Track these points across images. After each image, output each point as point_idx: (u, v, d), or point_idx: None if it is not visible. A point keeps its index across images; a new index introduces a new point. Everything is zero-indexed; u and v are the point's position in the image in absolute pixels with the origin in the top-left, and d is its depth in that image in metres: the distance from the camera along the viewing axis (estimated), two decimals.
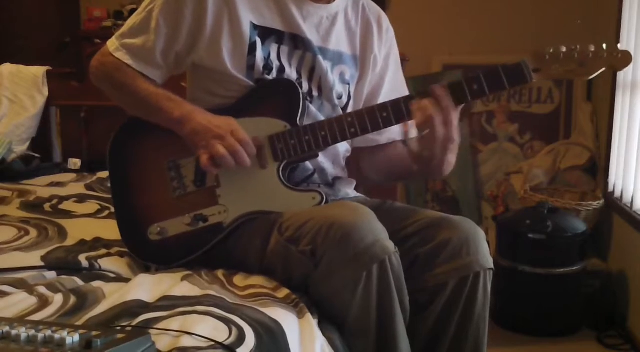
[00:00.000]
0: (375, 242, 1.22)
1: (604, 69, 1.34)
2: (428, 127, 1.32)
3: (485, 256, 1.38)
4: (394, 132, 1.59)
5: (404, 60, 2.50)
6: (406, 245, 1.31)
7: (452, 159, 1.38)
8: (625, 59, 1.33)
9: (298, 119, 1.41)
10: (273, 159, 1.40)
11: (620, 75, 2.77)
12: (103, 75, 1.48)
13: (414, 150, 1.40)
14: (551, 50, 1.33)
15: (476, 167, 3.53)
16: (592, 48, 1.32)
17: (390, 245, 1.25)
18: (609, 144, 2.92)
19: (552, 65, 1.33)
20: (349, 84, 1.55)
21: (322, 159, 1.51)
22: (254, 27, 1.43)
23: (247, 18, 1.42)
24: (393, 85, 1.62)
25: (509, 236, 2.70)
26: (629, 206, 2.61)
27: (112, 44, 1.46)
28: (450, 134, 1.32)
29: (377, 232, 1.24)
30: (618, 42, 2.67)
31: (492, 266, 1.38)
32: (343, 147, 1.57)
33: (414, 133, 1.61)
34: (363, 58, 1.56)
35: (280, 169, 1.41)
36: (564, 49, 1.33)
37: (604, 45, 1.33)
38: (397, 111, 1.37)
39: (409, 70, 2.85)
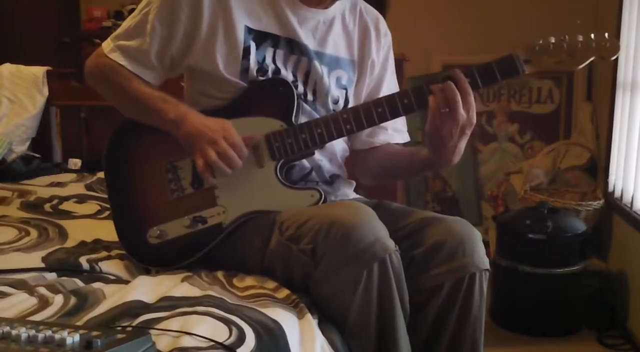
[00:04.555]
0: (375, 241, 1.22)
1: (593, 58, 1.34)
2: (449, 108, 1.31)
3: (481, 256, 1.37)
4: (387, 135, 1.60)
5: (403, 60, 2.52)
6: (402, 246, 1.31)
7: (463, 146, 1.38)
8: (613, 47, 1.33)
9: (293, 117, 1.41)
10: (270, 158, 1.41)
11: (620, 75, 2.77)
12: (98, 76, 1.47)
13: (433, 132, 1.36)
14: (540, 41, 1.34)
15: (476, 167, 3.53)
16: (581, 38, 1.33)
17: (391, 244, 1.25)
18: (609, 144, 2.92)
19: (542, 56, 1.34)
20: (346, 88, 1.54)
21: (319, 156, 1.51)
22: (249, 31, 1.42)
23: (241, 22, 1.42)
24: (390, 87, 1.62)
25: (509, 236, 2.70)
26: (629, 206, 2.62)
27: (107, 45, 1.46)
28: (470, 116, 1.33)
29: (378, 231, 1.25)
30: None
31: (487, 266, 1.38)
32: (340, 145, 1.57)
33: (398, 138, 1.62)
34: (361, 62, 1.56)
35: (278, 167, 1.41)
36: (553, 40, 1.33)
37: (592, 35, 1.33)
38: (392, 107, 1.38)
39: (409, 70, 2.86)
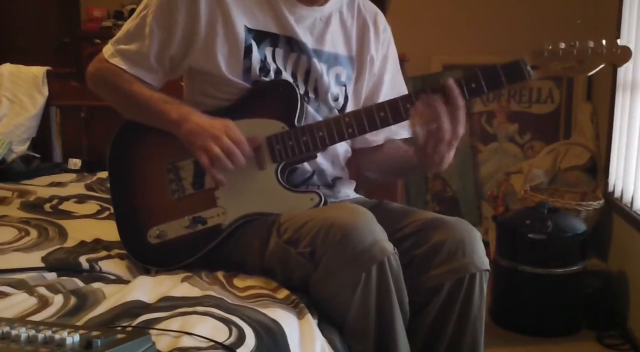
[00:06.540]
0: (374, 244, 1.22)
1: (603, 65, 1.32)
2: (435, 123, 1.30)
3: (481, 257, 1.37)
4: (391, 131, 1.59)
5: (404, 60, 2.50)
6: (402, 246, 1.31)
7: (451, 155, 1.36)
8: (625, 54, 1.32)
9: (296, 120, 1.41)
10: (271, 160, 1.40)
11: (620, 75, 2.77)
12: (100, 81, 1.49)
13: (419, 144, 1.35)
14: (549, 47, 1.32)
15: (476, 167, 3.53)
16: (591, 44, 1.31)
17: (389, 246, 1.25)
18: (609, 144, 2.92)
19: (551, 62, 1.32)
20: (345, 85, 1.54)
21: (321, 160, 1.50)
22: (248, 30, 1.42)
23: (241, 21, 1.42)
24: (392, 86, 1.61)
25: (509, 236, 2.70)
26: (629, 206, 2.62)
27: (107, 50, 1.47)
28: (457, 130, 1.31)
29: (376, 233, 1.24)
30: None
31: (487, 266, 1.38)
32: (342, 148, 1.57)
33: (404, 134, 1.61)
34: (360, 59, 1.55)
35: (279, 170, 1.41)
36: (562, 46, 1.31)
37: (603, 42, 1.31)
38: (394, 111, 1.37)
39: (409, 70, 2.86)
